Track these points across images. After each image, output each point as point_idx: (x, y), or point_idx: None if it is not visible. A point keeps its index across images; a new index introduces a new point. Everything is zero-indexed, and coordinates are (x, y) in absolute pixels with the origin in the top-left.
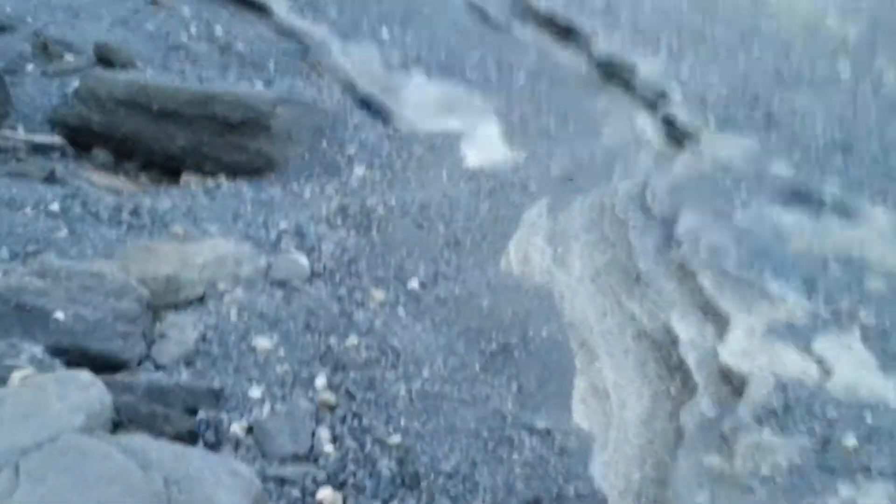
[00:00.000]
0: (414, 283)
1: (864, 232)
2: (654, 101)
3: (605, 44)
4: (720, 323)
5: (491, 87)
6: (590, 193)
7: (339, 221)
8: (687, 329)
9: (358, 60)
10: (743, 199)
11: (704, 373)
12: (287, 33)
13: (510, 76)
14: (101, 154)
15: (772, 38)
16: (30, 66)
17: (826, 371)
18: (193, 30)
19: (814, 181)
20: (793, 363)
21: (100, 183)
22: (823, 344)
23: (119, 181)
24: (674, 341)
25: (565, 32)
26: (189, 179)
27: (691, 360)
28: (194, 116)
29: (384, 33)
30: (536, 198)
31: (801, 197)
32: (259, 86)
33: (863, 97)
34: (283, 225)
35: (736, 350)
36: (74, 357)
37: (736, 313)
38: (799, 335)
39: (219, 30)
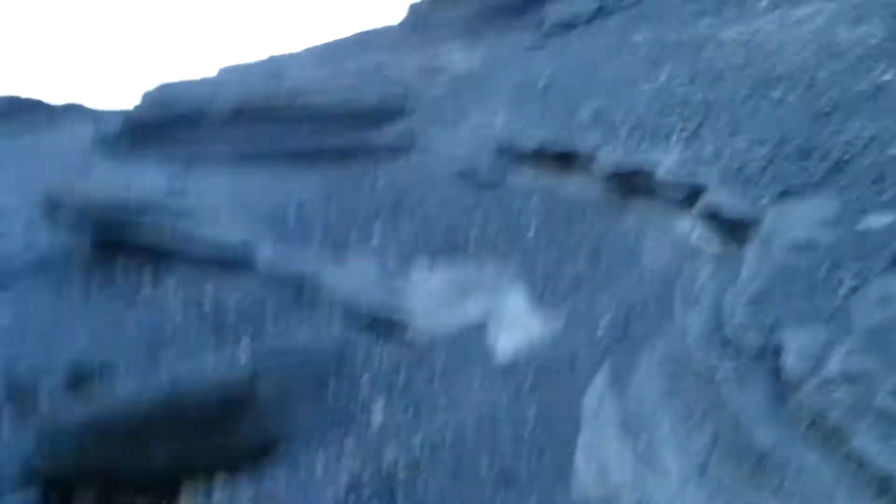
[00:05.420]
0: None
1: None
2: (687, 198)
3: (610, 155)
4: None
5: (501, 252)
6: (655, 345)
7: (352, 501)
8: None
9: (354, 278)
10: (850, 283)
11: None
12: (275, 281)
13: (519, 232)
14: (84, 498)
15: (788, 74)
16: (4, 422)
17: None
18: (179, 316)
19: None
20: None
21: None
22: None
23: None
24: None
25: (564, 160)
26: (187, 502)
27: None
28: (168, 423)
29: (375, 235)
30: (591, 372)
31: None
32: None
33: None
34: None
35: None
36: None
37: None
38: None
39: (206, 304)
